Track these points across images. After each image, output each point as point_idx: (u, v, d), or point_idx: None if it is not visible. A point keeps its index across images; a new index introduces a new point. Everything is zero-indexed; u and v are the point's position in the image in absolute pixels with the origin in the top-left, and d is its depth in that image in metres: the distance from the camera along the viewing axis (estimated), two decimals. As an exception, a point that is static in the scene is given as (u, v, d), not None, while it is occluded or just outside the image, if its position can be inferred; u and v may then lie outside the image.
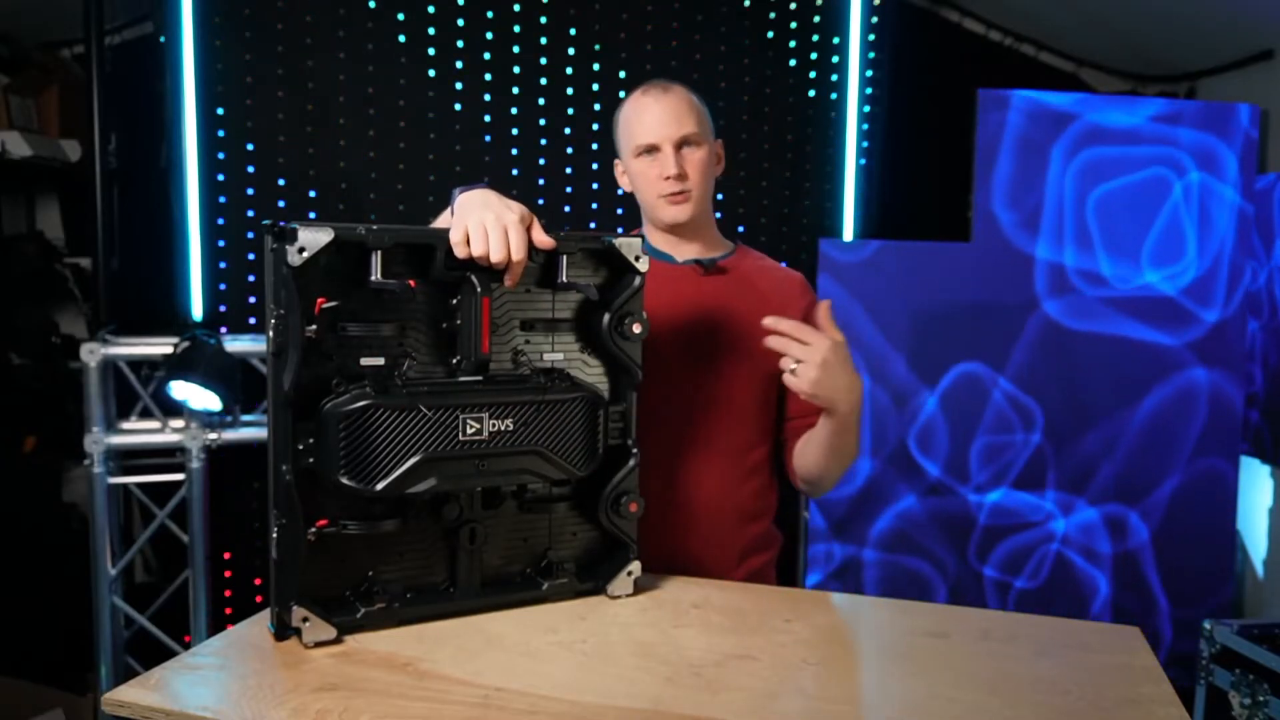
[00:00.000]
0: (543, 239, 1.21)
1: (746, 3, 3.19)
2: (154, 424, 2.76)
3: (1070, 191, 2.96)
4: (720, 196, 3.19)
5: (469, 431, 1.18)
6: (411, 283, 1.18)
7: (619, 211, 3.13)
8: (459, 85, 2.99)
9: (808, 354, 1.34)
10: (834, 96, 3.27)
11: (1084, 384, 2.95)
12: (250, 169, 2.86)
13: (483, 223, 1.16)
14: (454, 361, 1.23)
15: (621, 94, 3.15)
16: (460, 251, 1.16)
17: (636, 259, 1.31)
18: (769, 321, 1.37)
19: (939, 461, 2.94)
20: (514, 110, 3.04)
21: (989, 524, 2.96)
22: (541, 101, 3.06)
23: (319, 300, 1.14)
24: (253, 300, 2.89)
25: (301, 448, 1.13)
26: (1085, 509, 2.98)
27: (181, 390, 2.57)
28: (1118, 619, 2.89)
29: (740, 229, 3.26)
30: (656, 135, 1.55)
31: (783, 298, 1.64)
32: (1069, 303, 2.95)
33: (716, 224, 1.69)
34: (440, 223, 1.43)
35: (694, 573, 1.45)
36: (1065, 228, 2.96)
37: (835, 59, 3.26)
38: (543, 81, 3.05)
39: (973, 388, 2.93)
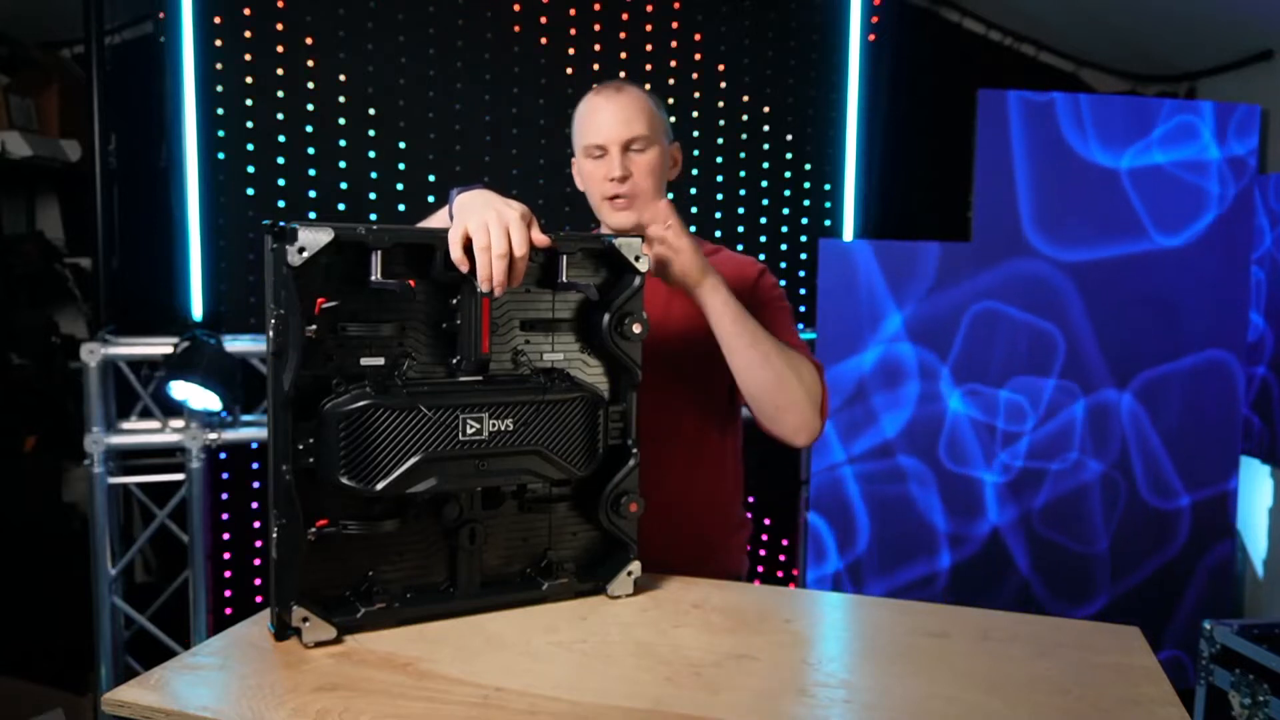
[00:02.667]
0: (540, 237, 1.20)
1: (746, 2, 3.19)
2: (154, 424, 2.76)
3: (1069, 189, 2.96)
4: (720, 197, 3.24)
5: (469, 431, 1.18)
6: (411, 283, 1.18)
7: (619, 211, 3.13)
8: (459, 85, 3.00)
9: (670, 236, 1.39)
10: (834, 96, 3.27)
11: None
12: (250, 169, 2.86)
13: (484, 220, 1.16)
14: (454, 361, 1.23)
15: (622, 94, 3.15)
16: (456, 254, 1.16)
17: (636, 259, 1.31)
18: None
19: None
20: (514, 110, 3.04)
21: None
22: (541, 101, 3.06)
23: (319, 300, 1.14)
24: (253, 300, 2.89)
25: (301, 448, 1.13)
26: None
27: (181, 390, 2.58)
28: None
29: (740, 229, 3.27)
30: (604, 136, 1.55)
31: (738, 284, 1.63)
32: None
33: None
34: (434, 222, 1.43)
35: (664, 566, 1.44)
36: (1065, 225, 2.97)
37: (835, 59, 3.26)
38: (543, 81, 3.05)
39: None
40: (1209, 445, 3.07)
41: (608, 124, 1.55)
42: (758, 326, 1.45)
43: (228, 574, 2.95)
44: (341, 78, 2.90)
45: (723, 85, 3.19)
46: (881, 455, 2.99)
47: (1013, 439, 3.01)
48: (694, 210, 3.21)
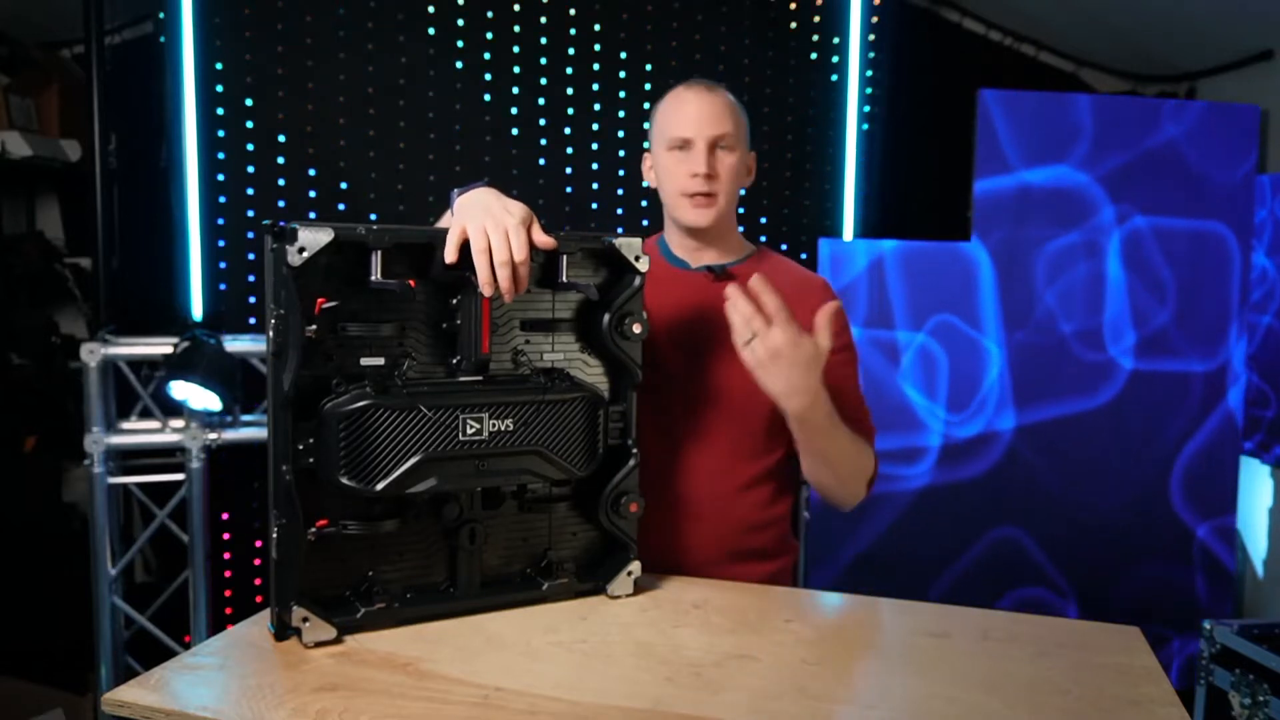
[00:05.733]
0: (543, 239, 1.20)
1: (747, 2, 3.19)
2: (154, 424, 2.76)
3: (1070, 191, 2.96)
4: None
5: (469, 431, 1.18)
6: (411, 283, 1.18)
7: (619, 211, 3.14)
8: (459, 85, 3.00)
9: (763, 335, 1.28)
10: (834, 96, 3.27)
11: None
12: (250, 169, 2.86)
13: (483, 225, 1.15)
14: (454, 361, 1.23)
15: (622, 94, 3.17)
16: (451, 256, 1.15)
17: (636, 259, 1.31)
18: (752, 284, 1.29)
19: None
20: (514, 110, 3.04)
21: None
22: (541, 101, 3.06)
23: (319, 300, 1.14)
24: (253, 300, 2.89)
25: (301, 448, 1.13)
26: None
27: (181, 390, 2.57)
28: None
29: (740, 229, 3.26)
30: (692, 130, 1.52)
31: (798, 301, 1.60)
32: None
33: (738, 230, 1.68)
34: (442, 225, 1.42)
35: (687, 570, 1.44)
36: (1066, 223, 2.97)
37: (835, 59, 3.26)
38: (543, 81, 3.05)
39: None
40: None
41: (698, 118, 1.52)
42: (837, 426, 1.39)
43: (228, 574, 2.95)
44: (341, 78, 2.90)
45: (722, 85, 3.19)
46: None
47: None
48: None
